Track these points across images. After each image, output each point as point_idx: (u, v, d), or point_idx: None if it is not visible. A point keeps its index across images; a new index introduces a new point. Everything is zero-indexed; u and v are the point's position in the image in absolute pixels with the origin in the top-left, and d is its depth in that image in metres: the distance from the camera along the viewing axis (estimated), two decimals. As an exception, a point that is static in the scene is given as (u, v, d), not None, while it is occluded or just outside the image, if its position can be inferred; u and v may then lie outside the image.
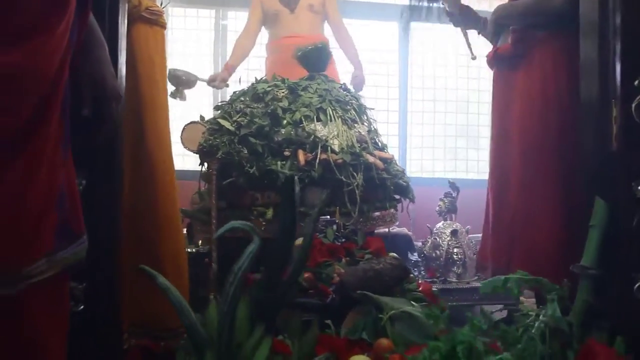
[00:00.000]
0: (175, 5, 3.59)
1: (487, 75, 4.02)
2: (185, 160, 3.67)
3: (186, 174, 3.28)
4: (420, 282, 1.89)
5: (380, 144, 2.41)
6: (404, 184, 2.36)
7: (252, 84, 2.35)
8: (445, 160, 3.96)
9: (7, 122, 0.78)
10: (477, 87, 4.00)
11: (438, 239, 2.47)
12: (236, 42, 3.21)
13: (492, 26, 2.02)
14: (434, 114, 3.97)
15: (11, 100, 0.78)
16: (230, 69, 3.08)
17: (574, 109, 1.78)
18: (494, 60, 2.03)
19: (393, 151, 3.77)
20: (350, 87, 3.16)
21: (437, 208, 2.58)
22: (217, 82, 3.04)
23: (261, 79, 2.39)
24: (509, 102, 1.92)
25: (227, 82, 3.11)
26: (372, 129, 2.42)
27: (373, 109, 2.51)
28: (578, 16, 1.73)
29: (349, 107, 2.33)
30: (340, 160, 2.10)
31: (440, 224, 2.54)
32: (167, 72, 2.74)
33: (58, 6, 0.84)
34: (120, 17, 1.45)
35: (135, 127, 1.62)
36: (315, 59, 2.39)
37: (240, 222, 1.38)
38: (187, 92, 2.82)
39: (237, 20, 3.69)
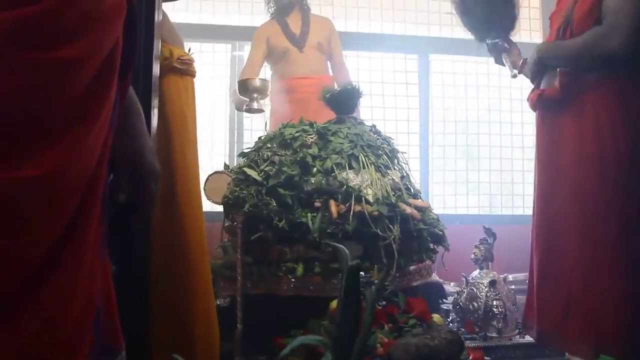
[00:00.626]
0: (190, 40, 3.49)
1: (508, 107, 3.91)
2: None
3: (213, 216, 3.14)
4: (469, 347, 1.74)
5: (412, 190, 2.28)
6: (440, 232, 2.22)
7: (279, 129, 2.23)
8: (468, 195, 3.82)
9: (44, 236, 0.65)
10: (499, 119, 3.88)
11: (475, 290, 2.31)
12: (240, 75, 3.11)
13: (536, 66, 1.89)
14: (455, 148, 3.85)
15: (47, 213, 0.64)
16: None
17: (634, 158, 1.65)
18: (538, 103, 1.90)
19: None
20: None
21: (472, 256, 2.43)
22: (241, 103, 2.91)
23: (288, 123, 2.27)
24: (558, 149, 1.79)
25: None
26: (405, 174, 2.29)
27: (405, 152, 2.38)
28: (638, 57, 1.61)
29: (380, 151, 2.21)
30: (376, 213, 1.96)
31: (476, 273, 2.39)
32: (238, 84, 2.64)
33: (99, 93, 0.71)
34: (154, 74, 1.34)
35: (166, 183, 1.49)
36: (344, 101, 2.27)
37: (309, 337, 1.22)
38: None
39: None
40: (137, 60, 0.87)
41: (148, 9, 1.39)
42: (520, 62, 2.02)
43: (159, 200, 1.43)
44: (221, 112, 3.55)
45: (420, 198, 2.30)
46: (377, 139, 2.26)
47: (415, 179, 3.70)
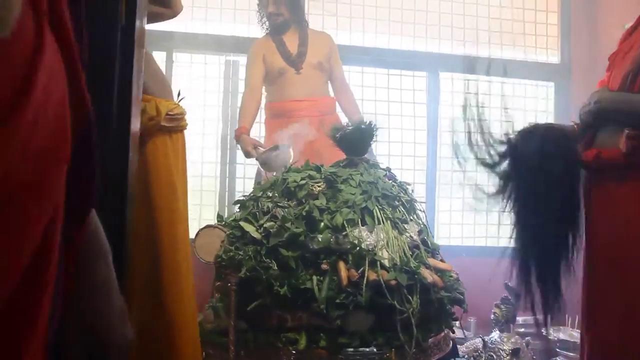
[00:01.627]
0: (179, 50, 3.19)
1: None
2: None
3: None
4: None
5: (430, 245, 2.02)
6: (460, 296, 1.96)
7: (282, 174, 1.94)
8: (475, 225, 3.57)
9: None
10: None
11: (494, 356, 2.06)
12: (243, 101, 2.80)
13: (593, 118, 1.59)
14: (464, 173, 3.58)
15: None
16: (246, 131, 2.68)
17: None
18: (593, 163, 1.61)
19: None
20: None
21: (492, 316, 2.18)
22: (256, 151, 2.60)
23: (290, 166, 1.98)
24: (622, 227, 1.51)
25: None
26: (423, 226, 2.02)
27: (424, 202, 2.11)
28: None
29: (397, 202, 1.94)
30: (393, 282, 1.69)
31: (496, 336, 2.14)
32: (259, 163, 2.36)
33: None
34: (130, 144, 1.05)
35: (151, 268, 1.21)
36: (356, 142, 1.99)
37: None
38: None
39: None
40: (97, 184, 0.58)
41: (125, 48, 1.09)
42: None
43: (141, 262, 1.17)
44: (212, 132, 3.24)
45: (439, 253, 2.04)
46: (393, 185, 1.99)
47: (422, 206, 3.48)
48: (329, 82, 2.89)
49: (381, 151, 3.41)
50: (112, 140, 1.05)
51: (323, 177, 1.89)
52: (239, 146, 2.69)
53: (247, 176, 3.27)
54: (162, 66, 3.12)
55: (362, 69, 3.44)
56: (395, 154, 3.45)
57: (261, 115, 3.00)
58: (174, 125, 1.22)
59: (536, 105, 3.70)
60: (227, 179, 3.27)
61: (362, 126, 1.99)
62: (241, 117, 2.71)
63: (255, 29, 3.27)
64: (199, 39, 3.17)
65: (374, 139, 2.05)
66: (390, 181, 2.01)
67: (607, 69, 1.66)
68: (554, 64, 3.66)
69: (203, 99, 3.26)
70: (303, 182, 1.86)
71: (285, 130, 2.52)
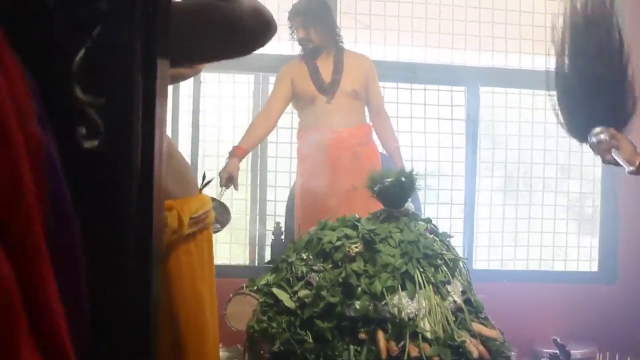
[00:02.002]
0: (208, 71, 3.07)
1: (566, 146, 3.45)
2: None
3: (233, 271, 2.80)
4: None
5: (474, 302, 1.89)
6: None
7: (315, 231, 1.83)
8: (516, 247, 3.41)
9: None
10: (555, 160, 3.43)
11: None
12: (254, 121, 2.71)
13: None
14: (505, 193, 3.42)
15: None
16: (242, 155, 2.58)
17: None
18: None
19: (457, 238, 3.25)
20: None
21: (540, 373, 2.05)
22: (232, 182, 2.52)
23: (326, 222, 1.86)
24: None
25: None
26: (466, 282, 1.89)
27: (466, 259, 1.98)
28: None
29: (439, 261, 1.81)
30: (436, 359, 1.58)
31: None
32: None
33: None
34: (153, 269, 0.94)
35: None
36: (397, 194, 1.86)
37: None
38: None
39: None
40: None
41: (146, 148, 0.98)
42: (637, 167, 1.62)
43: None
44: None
45: (482, 312, 1.90)
46: (435, 241, 1.86)
47: (458, 227, 3.33)
48: (364, 109, 2.75)
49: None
50: (129, 263, 0.95)
51: (360, 235, 1.78)
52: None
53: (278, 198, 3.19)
54: (190, 87, 3.03)
55: (397, 85, 3.27)
56: (433, 173, 3.30)
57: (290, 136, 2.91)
58: (199, 228, 1.12)
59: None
60: (258, 201, 3.19)
61: (402, 178, 1.85)
62: (246, 136, 2.61)
63: (286, 45, 3.14)
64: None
65: (416, 189, 1.92)
66: (432, 235, 1.88)
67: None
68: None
69: (232, 119, 3.17)
70: (339, 243, 1.75)
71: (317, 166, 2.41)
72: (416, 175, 1.88)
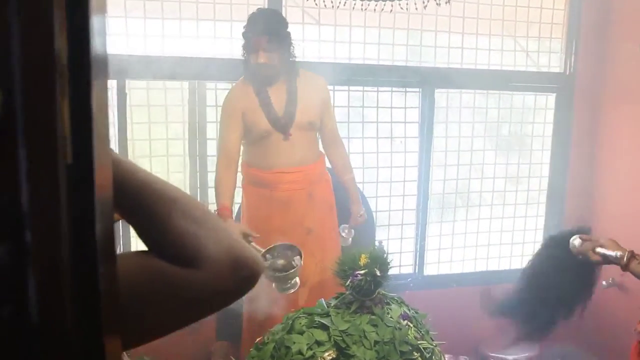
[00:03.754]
0: (132, 78, 2.64)
1: (518, 144, 3.38)
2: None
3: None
4: None
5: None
6: None
7: (281, 336, 1.64)
8: (465, 248, 3.39)
9: None
10: (506, 160, 3.36)
11: None
12: (217, 174, 2.31)
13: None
14: (456, 195, 3.34)
15: None
16: (230, 213, 2.27)
17: None
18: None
19: (409, 242, 3.18)
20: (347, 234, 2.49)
21: None
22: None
23: (293, 321, 1.67)
24: None
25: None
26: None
27: (442, 343, 1.87)
28: None
29: (415, 353, 1.69)
30: None
31: None
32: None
33: None
34: None
35: None
36: (368, 285, 1.68)
37: None
38: None
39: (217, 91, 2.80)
40: None
41: None
42: (626, 257, 1.57)
43: None
44: (179, 169, 2.81)
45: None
46: (409, 328, 1.73)
47: (409, 233, 3.25)
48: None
49: (369, 177, 3.10)
50: None
51: (332, 339, 1.61)
52: None
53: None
54: (113, 97, 2.62)
55: (349, 88, 3.00)
56: (384, 179, 3.15)
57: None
58: None
59: (535, 118, 3.40)
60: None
61: (375, 270, 1.67)
62: (219, 193, 2.26)
63: (223, 44, 2.76)
64: (154, 62, 2.63)
65: (387, 271, 1.75)
66: (406, 322, 1.74)
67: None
68: (556, 73, 3.31)
69: (165, 132, 2.80)
70: (310, 353, 1.58)
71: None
72: (390, 260, 1.71)
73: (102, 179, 0.41)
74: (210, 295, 0.70)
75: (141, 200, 0.64)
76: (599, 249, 1.64)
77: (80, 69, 0.38)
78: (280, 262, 1.97)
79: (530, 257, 2.05)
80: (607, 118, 3.22)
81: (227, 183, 2.26)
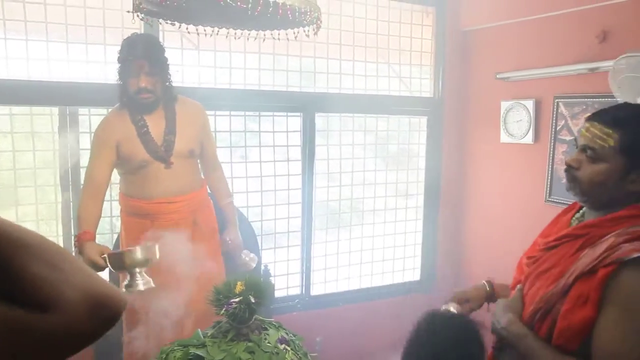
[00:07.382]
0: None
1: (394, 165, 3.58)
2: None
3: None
4: None
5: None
6: None
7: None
8: (350, 266, 3.51)
9: None
10: (385, 180, 3.54)
11: None
12: (82, 202, 2.18)
13: (499, 338, 1.46)
14: (339, 216, 3.45)
15: None
16: (92, 238, 2.13)
17: None
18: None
19: (295, 264, 3.23)
20: (250, 259, 2.51)
21: None
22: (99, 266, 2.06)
23: (170, 347, 1.62)
24: None
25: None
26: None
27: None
28: None
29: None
30: None
31: None
32: (108, 259, 1.90)
33: None
34: None
35: None
36: (244, 312, 1.69)
37: None
38: None
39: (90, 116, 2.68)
40: None
41: None
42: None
43: None
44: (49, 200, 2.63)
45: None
46: (287, 352, 1.75)
47: (296, 253, 3.30)
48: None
49: (253, 202, 3.12)
50: None
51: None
52: (81, 256, 2.06)
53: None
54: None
55: (230, 113, 3.01)
56: (269, 203, 3.18)
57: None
58: None
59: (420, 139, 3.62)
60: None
61: (250, 297, 1.68)
62: (82, 220, 2.12)
63: (95, 70, 2.66)
64: (19, 87, 2.47)
65: (265, 297, 1.76)
66: (283, 346, 1.77)
67: (519, 269, 1.55)
68: (427, 97, 3.56)
69: (33, 162, 2.62)
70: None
71: (155, 237, 2.09)
72: (273, 285, 1.73)
73: None
74: (61, 338, 0.68)
75: None
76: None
77: None
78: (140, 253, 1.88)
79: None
80: (471, 137, 3.52)
81: (92, 211, 2.15)
